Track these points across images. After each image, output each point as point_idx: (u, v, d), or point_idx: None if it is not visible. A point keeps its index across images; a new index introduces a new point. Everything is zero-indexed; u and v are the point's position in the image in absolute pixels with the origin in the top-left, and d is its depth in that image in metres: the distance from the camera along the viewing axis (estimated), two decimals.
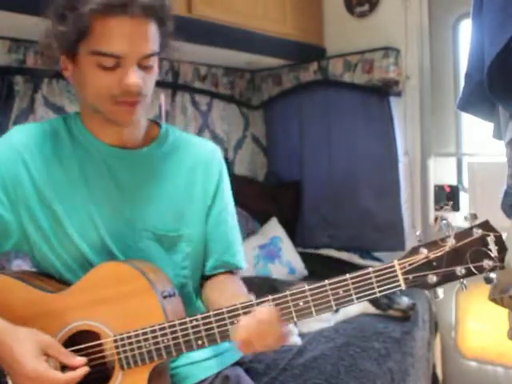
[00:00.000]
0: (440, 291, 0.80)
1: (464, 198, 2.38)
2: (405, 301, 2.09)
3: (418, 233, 0.84)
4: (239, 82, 2.96)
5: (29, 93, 1.89)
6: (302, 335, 1.85)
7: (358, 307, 2.11)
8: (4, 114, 1.80)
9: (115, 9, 0.89)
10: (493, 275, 0.78)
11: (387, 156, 2.54)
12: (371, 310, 2.11)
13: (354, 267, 2.46)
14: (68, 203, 1.01)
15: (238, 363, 1.15)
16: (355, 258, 2.66)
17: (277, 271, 2.46)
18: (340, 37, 2.71)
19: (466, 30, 2.44)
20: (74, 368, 0.88)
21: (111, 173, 1.04)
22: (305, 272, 2.58)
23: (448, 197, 2.39)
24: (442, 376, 2.45)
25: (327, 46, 2.78)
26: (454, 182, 2.53)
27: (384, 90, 2.52)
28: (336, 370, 1.62)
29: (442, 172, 2.58)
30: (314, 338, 1.83)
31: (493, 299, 0.97)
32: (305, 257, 2.63)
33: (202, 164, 1.10)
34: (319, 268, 2.55)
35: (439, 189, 2.44)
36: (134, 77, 0.93)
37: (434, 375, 2.35)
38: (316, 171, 2.80)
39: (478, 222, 0.79)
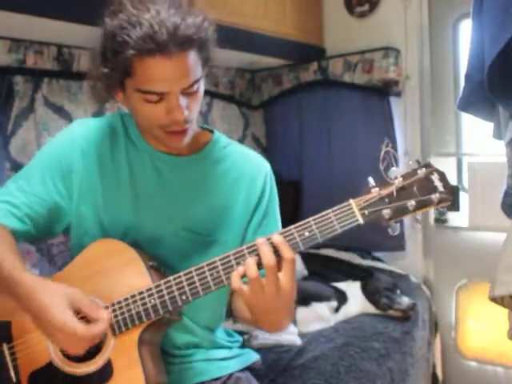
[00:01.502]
0: (396, 226, 0.91)
1: (464, 198, 2.37)
2: (405, 301, 2.09)
3: (369, 178, 0.94)
4: (239, 82, 2.96)
5: (29, 93, 1.89)
6: (301, 335, 1.84)
7: (358, 307, 2.11)
8: (4, 113, 1.80)
9: (153, 50, 0.91)
10: (444, 209, 0.86)
11: (387, 156, 2.53)
12: (371, 310, 2.11)
13: (354, 267, 2.46)
14: (111, 197, 1.07)
15: (247, 368, 1.18)
16: (355, 258, 2.66)
17: None
18: (340, 37, 2.71)
19: (466, 30, 2.44)
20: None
21: (158, 175, 1.08)
22: (305, 272, 2.57)
23: None
24: (442, 376, 2.45)
25: (327, 46, 2.78)
26: (454, 182, 2.53)
27: (384, 90, 2.52)
28: (336, 370, 1.62)
29: None
30: (314, 338, 1.83)
31: (493, 299, 0.97)
32: (305, 257, 2.62)
33: (247, 177, 1.12)
34: (319, 268, 2.54)
35: None
36: (179, 110, 0.96)
37: (434, 375, 2.35)
38: (316, 171, 2.80)
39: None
